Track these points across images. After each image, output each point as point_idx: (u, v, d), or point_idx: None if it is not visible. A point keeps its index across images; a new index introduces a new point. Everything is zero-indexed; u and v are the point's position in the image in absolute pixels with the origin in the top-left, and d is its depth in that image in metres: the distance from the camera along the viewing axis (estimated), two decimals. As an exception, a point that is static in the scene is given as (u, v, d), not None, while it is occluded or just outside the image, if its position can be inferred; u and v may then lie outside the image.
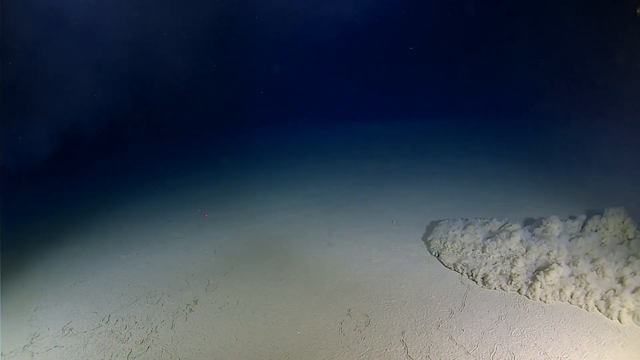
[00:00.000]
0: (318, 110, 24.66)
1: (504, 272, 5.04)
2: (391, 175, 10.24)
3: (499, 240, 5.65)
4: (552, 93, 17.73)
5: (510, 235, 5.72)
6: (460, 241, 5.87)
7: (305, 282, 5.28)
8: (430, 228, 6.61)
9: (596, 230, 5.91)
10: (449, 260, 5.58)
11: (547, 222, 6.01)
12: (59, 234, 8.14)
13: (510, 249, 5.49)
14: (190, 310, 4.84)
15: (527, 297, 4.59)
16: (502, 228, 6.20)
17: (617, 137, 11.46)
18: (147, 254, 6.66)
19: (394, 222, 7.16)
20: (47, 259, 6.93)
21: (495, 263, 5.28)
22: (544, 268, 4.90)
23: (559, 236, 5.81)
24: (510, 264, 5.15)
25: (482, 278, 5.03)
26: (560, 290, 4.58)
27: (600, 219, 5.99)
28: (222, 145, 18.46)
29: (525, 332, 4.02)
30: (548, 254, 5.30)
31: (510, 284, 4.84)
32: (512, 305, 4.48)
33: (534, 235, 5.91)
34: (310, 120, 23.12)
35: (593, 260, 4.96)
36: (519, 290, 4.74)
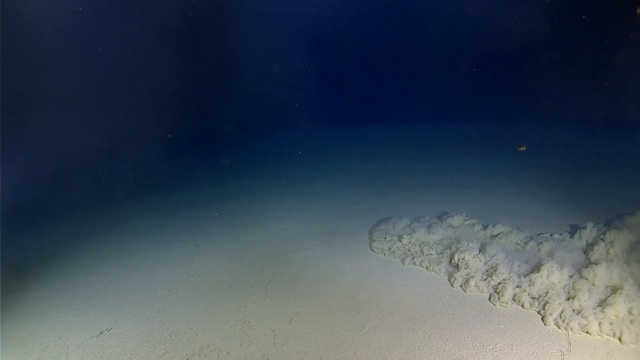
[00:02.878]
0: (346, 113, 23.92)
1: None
2: (433, 187, 9.47)
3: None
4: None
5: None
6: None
7: (394, 329, 4.38)
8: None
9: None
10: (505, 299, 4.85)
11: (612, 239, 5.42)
12: (71, 258, 7.07)
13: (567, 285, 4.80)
14: (265, 374, 3.89)
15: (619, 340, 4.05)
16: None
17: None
18: (182, 292, 5.65)
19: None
20: (59, 293, 5.89)
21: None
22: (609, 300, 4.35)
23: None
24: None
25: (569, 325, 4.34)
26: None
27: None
28: (253, 149, 17.75)
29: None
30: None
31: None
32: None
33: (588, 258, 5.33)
34: (336, 124, 22.54)
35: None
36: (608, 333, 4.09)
